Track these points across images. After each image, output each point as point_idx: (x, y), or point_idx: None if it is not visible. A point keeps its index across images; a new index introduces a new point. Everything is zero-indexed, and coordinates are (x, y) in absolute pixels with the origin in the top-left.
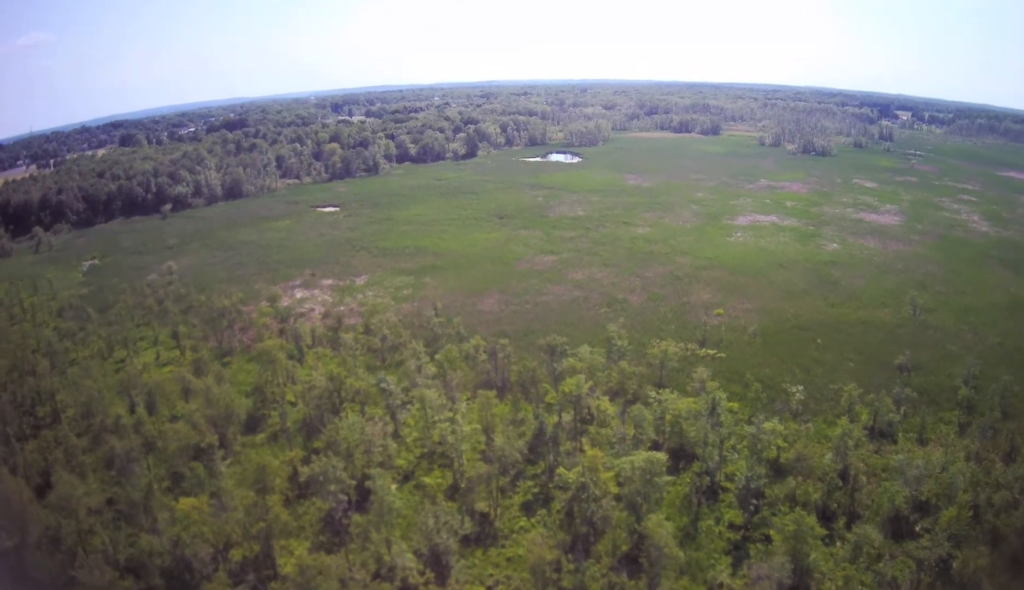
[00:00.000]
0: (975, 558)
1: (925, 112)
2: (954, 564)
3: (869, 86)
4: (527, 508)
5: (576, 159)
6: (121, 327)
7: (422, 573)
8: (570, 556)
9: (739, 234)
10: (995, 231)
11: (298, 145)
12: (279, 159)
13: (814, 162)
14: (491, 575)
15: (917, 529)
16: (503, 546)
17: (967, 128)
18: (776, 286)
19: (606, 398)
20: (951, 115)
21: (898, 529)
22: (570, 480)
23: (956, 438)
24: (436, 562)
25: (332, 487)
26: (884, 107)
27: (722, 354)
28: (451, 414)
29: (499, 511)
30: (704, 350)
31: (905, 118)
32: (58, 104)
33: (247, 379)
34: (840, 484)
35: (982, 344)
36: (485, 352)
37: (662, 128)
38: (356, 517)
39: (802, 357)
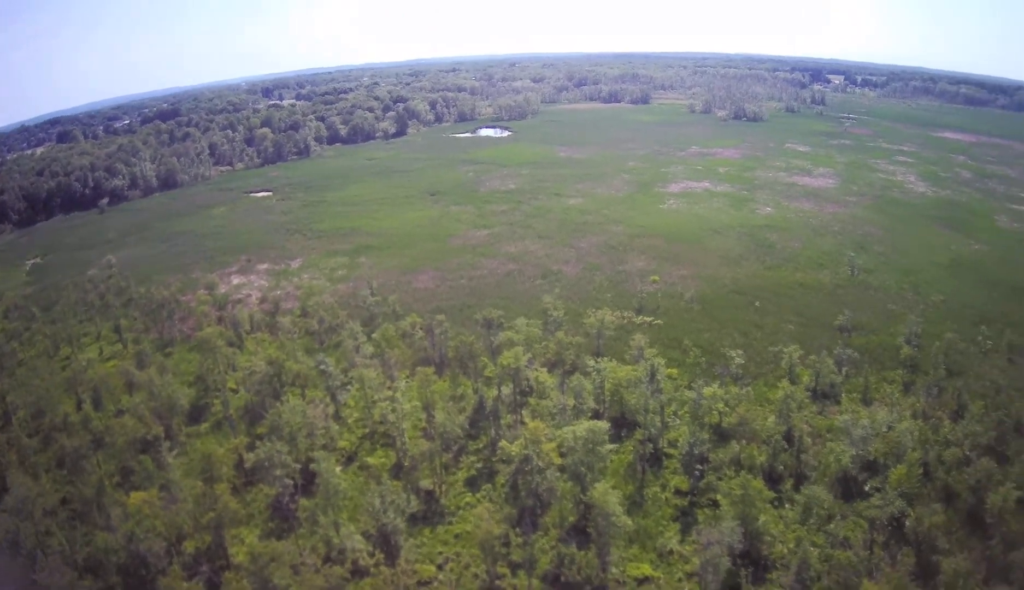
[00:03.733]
0: (929, 515)
1: (858, 76)
2: (907, 522)
3: (801, 52)
4: (472, 483)
5: (506, 133)
6: (65, 324)
7: (372, 554)
8: (518, 529)
9: (672, 201)
10: (933, 191)
11: (230, 132)
12: (212, 146)
13: (746, 128)
14: (440, 553)
15: (867, 488)
16: (450, 523)
17: (901, 90)
18: (711, 252)
19: (544, 369)
20: (884, 78)
21: (847, 489)
22: (513, 453)
23: (901, 397)
24: (385, 542)
25: (278, 472)
26: (816, 72)
27: (659, 321)
28: (391, 393)
29: (444, 488)
30: (641, 318)
31: (838, 82)
32: None
33: (189, 368)
34: (785, 446)
35: (924, 303)
36: (422, 329)
37: (591, 99)
38: (303, 501)
39: (741, 321)
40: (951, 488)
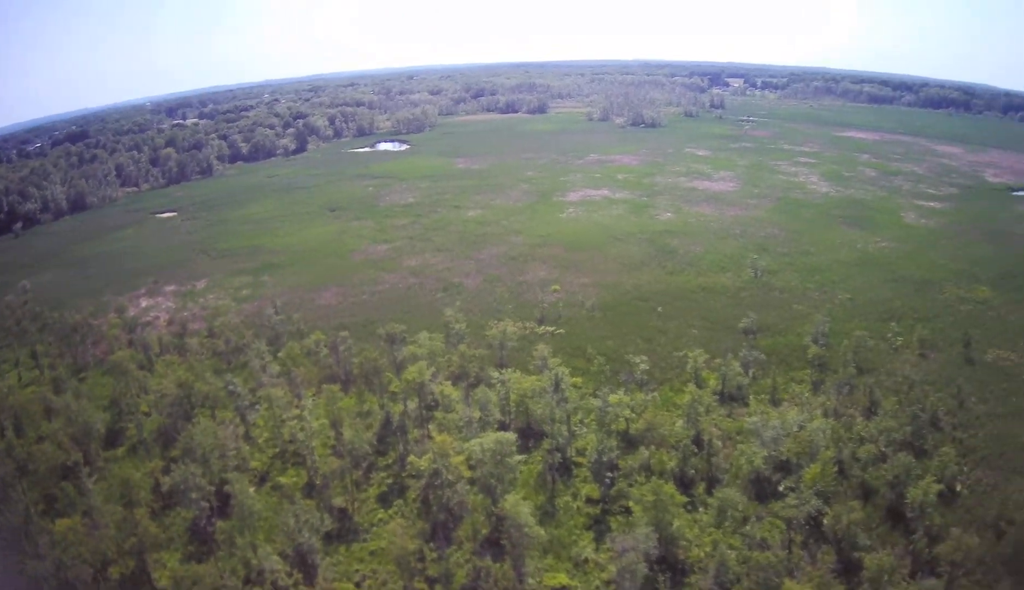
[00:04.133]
0: (847, 512)
1: (758, 78)
2: (825, 520)
3: (699, 56)
4: (383, 499)
5: (404, 147)
6: None
7: (290, 574)
8: (432, 544)
9: (571, 210)
10: (836, 190)
11: (136, 152)
12: (119, 167)
13: (644, 134)
14: (357, 570)
15: (781, 489)
16: (365, 540)
17: (802, 91)
18: (612, 259)
19: (449, 383)
20: (785, 79)
21: (761, 490)
22: (422, 467)
23: (811, 396)
24: (302, 562)
25: (193, 495)
26: (715, 76)
27: (561, 330)
28: (298, 411)
29: (356, 505)
30: (543, 327)
31: (737, 85)
32: None
33: (103, 393)
34: (695, 450)
35: (830, 301)
36: (326, 346)
37: (489, 110)
38: (220, 523)
39: (644, 327)
40: (868, 484)
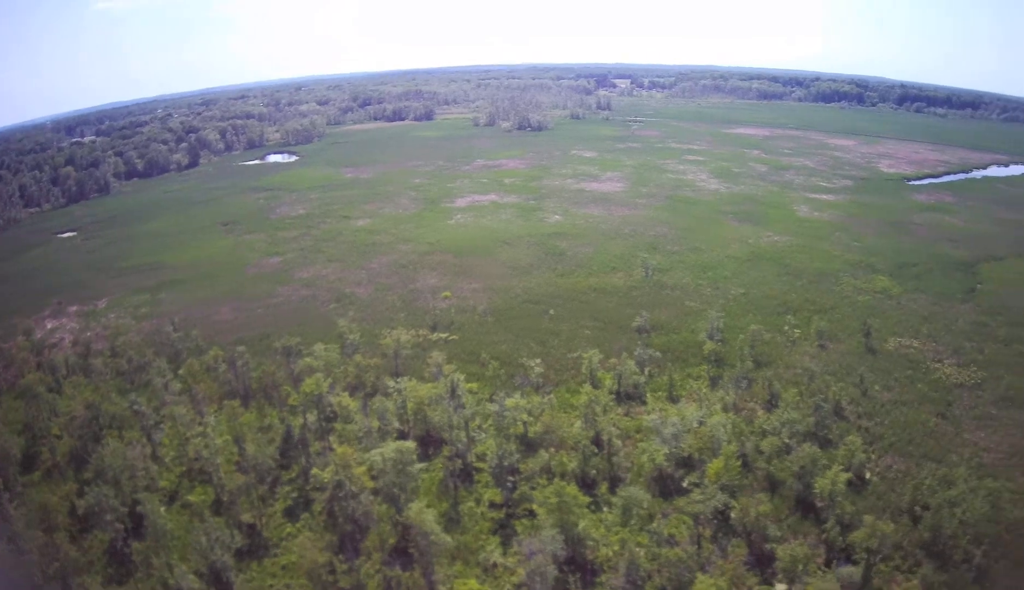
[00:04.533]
0: (754, 505)
1: (645, 78)
2: (732, 514)
3: (586, 58)
4: (290, 513)
5: (294, 158)
6: None
7: None
8: (341, 556)
9: (459, 216)
10: (726, 187)
11: (38, 172)
12: (22, 188)
13: (531, 137)
14: (271, 585)
15: (685, 485)
16: (275, 555)
17: (691, 90)
18: (502, 263)
19: (346, 393)
20: (673, 79)
21: (665, 487)
22: (325, 480)
23: (709, 392)
24: (217, 580)
25: (108, 517)
26: (602, 77)
27: (454, 336)
28: (202, 428)
29: (264, 520)
30: (436, 334)
31: (624, 86)
32: None
33: (16, 417)
34: (595, 450)
35: (724, 297)
36: (224, 361)
37: (376, 119)
38: (136, 544)
39: (536, 330)
40: (774, 477)
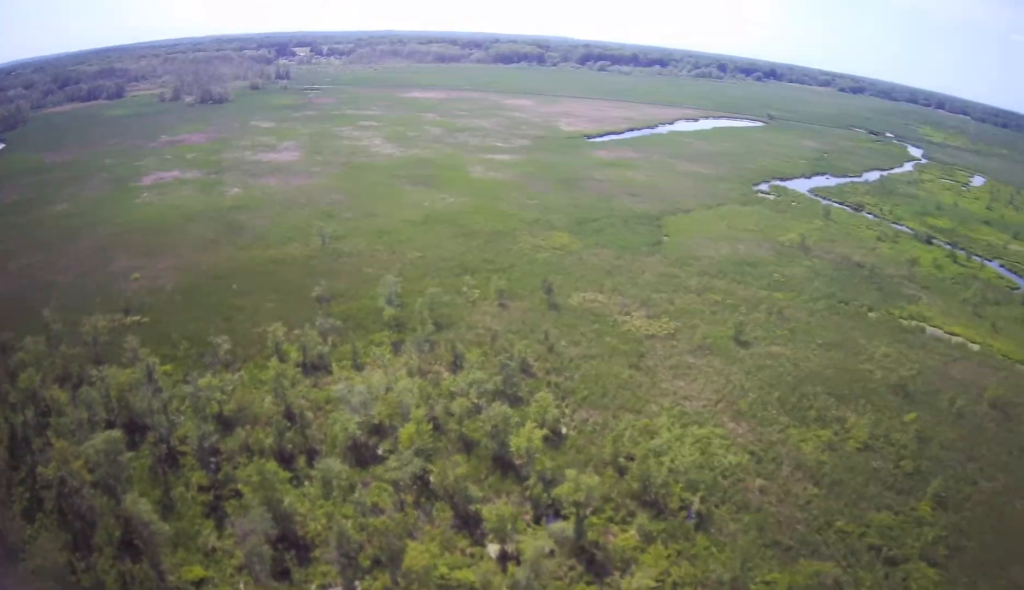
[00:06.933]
0: (451, 467)
1: (324, 45)
2: (432, 478)
3: (270, 28)
4: (27, 515)
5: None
6: None
7: None
8: (78, 554)
9: (145, 195)
10: (401, 151)
11: None
12: None
13: (212, 110)
14: None
15: (380, 452)
16: (22, 559)
17: (368, 56)
18: (188, 240)
19: (56, 386)
20: (351, 45)
21: (361, 456)
22: (50, 476)
23: (393, 358)
24: None
25: None
26: (282, 46)
27: (146, 318)
28: None
29: (6, 523)
30: (130, 318)
31: (304, 54)
32: None
33: None
34: (288, 424)
35: (400, 261)
36: None
37: (73, 100)
38: None
39: (222, 306)
40: (468, 438)
